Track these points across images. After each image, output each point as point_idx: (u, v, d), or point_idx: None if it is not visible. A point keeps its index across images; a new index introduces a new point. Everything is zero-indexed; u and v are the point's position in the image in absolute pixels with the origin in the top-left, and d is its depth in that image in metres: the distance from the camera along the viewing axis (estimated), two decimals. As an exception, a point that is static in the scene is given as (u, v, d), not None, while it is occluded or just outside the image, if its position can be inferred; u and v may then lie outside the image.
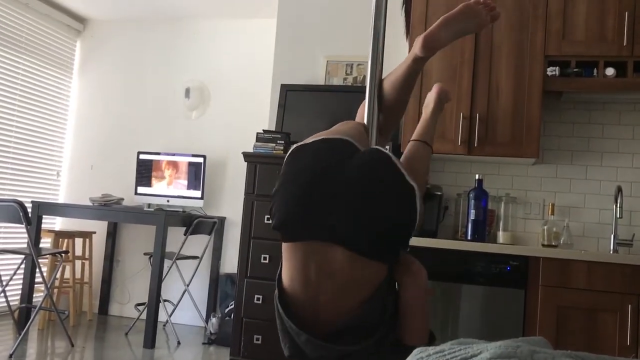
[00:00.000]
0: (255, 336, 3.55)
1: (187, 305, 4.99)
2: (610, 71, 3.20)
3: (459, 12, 1.60)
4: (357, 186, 1.39)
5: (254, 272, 3.61)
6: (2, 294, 4.14)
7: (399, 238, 1.44)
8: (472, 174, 3.57)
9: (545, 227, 3.42)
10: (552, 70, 3.28)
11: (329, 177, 1.40)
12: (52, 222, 5.49)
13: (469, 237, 3.33)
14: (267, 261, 3.60)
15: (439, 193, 3.47)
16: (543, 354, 1.11)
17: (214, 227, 4.90)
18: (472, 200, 3.34)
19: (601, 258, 2.89)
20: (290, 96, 4.07)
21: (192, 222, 4.58)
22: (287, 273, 1.47)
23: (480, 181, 3.38)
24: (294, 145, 1.51)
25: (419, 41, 1.56)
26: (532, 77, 3.30)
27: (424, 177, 1.77)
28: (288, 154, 1.51)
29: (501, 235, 3.47)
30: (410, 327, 1.44)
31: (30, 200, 4.69)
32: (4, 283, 4.24)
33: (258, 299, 3.58)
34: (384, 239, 1.39)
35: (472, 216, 3.35)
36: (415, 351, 1.34)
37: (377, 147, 1.52)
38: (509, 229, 3.52)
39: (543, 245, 3.41)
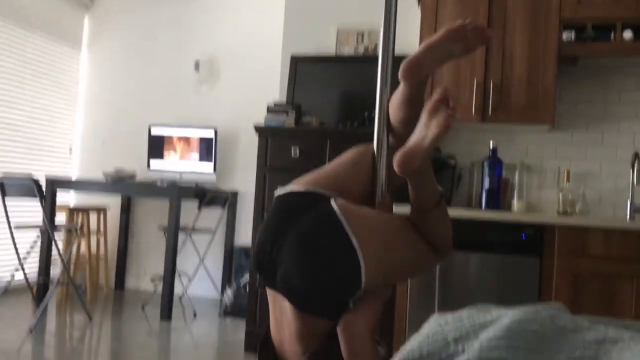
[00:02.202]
0: (270, 307, 3.58)
1: (202, 277, 5.03)
2: (628, 34, 3.12)
3: (442, 37, 1.46)
4: (299, 242, 1.38)
5: (267, 244, 3.61)
6: (20, 270, 4.19)
7: (338, 297, 1.39)
8: (486, 142, 3.53)
9: (560, 195, 3.38)
10: (568, 35, 3.21)
11: (282, 231, 1.42)
12: (66, 199, 5.53)
13: (483, 207, 3.30)
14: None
15: (452, 162, 3.44)
16: (563, 318, 1.09)
17: (227, 200, 4.91)
18: (486, 169, 3.31)
19: (617, 225, 2.86)
20: (301, 68, 4.02)
21: (206, 195, 4.59)
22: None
23: (494, 149, 3.34)
24: (277, 192, 1.53)
25: (400, 68, 1.46)
26: (547, 42, 3.22)
27: (433, 233, 1.55)
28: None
29: (516, 204, 3.44)
30: None
31: (43, 175, 4.71)
32: (22, 258, 4.29)
33: (272, 270, 3.59)
34: (320, 296, 1.37)
35: (486, 185, 3.31)
36: (433, 317, 1.33)
37: (333, 201, 1.41)
38: (524, 198, 3.48)
39: (558, 213, 3.37)
